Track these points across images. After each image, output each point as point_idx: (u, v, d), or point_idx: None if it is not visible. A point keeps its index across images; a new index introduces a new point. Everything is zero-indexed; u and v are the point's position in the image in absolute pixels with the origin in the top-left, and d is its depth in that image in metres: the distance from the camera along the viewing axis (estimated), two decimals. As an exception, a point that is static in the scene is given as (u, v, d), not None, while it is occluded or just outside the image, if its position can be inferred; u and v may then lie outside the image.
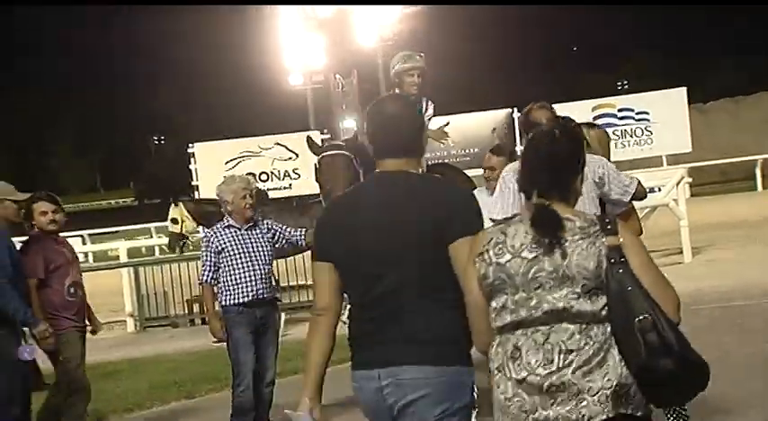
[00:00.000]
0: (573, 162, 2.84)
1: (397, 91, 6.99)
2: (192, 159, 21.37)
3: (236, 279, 6.16)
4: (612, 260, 2.64)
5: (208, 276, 6.23)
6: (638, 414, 2.65)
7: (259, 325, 6.21)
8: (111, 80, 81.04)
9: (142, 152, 79.46)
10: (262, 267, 6.24)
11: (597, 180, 4.96)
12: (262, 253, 6.27)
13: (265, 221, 6.54)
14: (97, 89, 79.42)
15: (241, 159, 21.22)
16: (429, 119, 6.93)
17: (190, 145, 21.84)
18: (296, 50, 28.31)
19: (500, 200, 4.74)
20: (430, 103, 6.89)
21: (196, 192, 20.76)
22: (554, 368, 2.65)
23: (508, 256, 2.71)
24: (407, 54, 7.02)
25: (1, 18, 74.95)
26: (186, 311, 12.23)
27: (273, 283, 6.48)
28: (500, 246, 2.73)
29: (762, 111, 28.57)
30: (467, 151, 20.52)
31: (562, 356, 2.65)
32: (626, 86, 59.73)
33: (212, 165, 20.60)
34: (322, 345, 3.26)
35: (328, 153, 6.38)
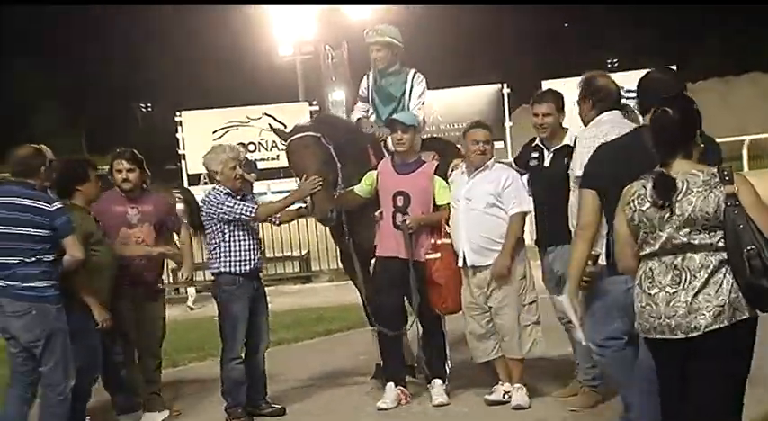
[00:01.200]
0: (686, 129, 3.71)
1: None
2: (179, 128, 21.26)
3: (237, 249, 6.14)
4: (728, 204, 3.51)
5: (252, 207, 6.12)
6: (747, 316, 3.53)
7: (255, 295, 6.24)
8: (98, 46, 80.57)
9: (129, 119, 78.98)
10: (256, 238, 6.28)
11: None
12: (253, 223, 6.28)
13: (251, 194, 6.54)
14: (84, 56, 78.85)
15: (229, 129, 21.13)
16: (423, 93, 6.89)
17: (177, 113, 21.72)
18: (286, 20, 28.09)
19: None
20: (419, 75, 6.86)
21: (183, 161, 20.67)
22: (679, 287, 3.56)
23: (647, 204, 3.63)
24: (373, 28, 7.00)
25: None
26: (171, 280, 12.20)
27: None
28: (642, 196, 3.65)
29: (751, 92, 28.59)
30: (455, 124, 20.51)
31: (686, 278, 3.55)
32: (616, 64, 59.62)
33: (200, 134, 20.48)
34: (585, 251, 4.31)
35: (295, 136, 6.31)
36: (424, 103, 6.86)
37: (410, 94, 6.79)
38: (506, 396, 6.08)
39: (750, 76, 30.43)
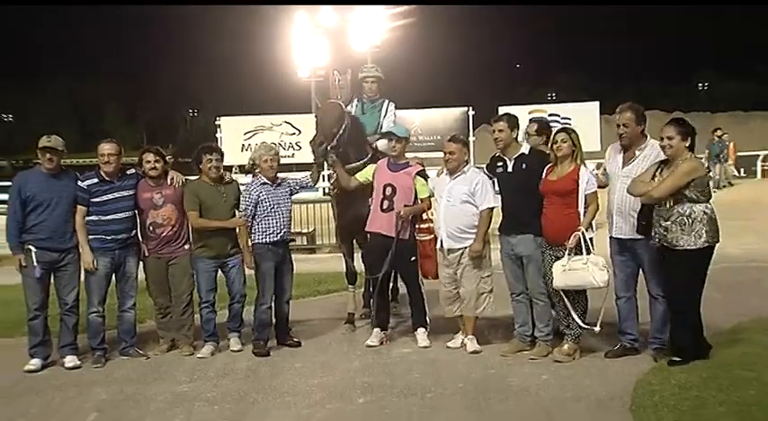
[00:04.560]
0: None
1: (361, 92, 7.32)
2: (218, 129, 21.22)
3: (267, 223, 6.24)
4: None
5: (247, 217, 6.25)
6: None
7: (281, 258, 6.32)
8: (159, 63, 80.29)
9: (179, 121, 78.80)
10: (285, 215, 6.33)
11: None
12: (285, 204, 6.35)
13: (285, 180, 6.54)
14: (147, 71, 78.65)
15: (256, 132, 21.09)
16: (393, 115, 7.20)
17: (217, 118, 21.66)
18: (305, 50, 28.09)
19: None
20: (391, 103, 7.25)
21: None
22: None
23: None
24: (368, 66, 7.54)
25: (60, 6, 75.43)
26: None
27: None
28: None
29: (649, 127, 28.76)
30: (431, 137, 20.57)
31: None
32: (554, 97, 59.72)
33: (234, 135, 20.52)
34: None
35: (328, 101, 6.79)
36: (394, 122, 7.13)
37: (385, 115, 7.16)
38: (463, 344, 6.15)
39: (650, 113, 30.82)
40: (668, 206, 5.16)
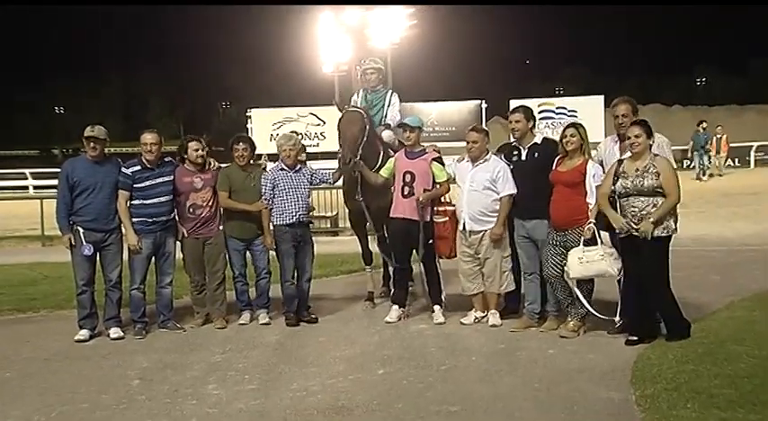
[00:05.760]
0: None
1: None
2: (248, 120, 21.28)
3: (284, 206, 6.22)
4: None
5: (267, 201, 6.26)
6: None
7: (299, 239, 6.28)
8: (196, 60, 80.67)
9: (213, 113, 79.15)
10: (303, 199, 6.29)
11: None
12: (303, 189, 6.32)
13: (305, 167, 6.51)
14: (185, 68, 79.24)
15: (284, 122, 21.14)
16: (397, 105, 7.04)
17: (248, 110, 21.71)
18: (329, 47, 27.98)
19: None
20: (395, 94, 7.11)
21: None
22: None
23: None
24: (368, 58, 7.26)
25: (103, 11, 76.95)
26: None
27: (310, 211, 6.51)
28: None
29: (650, 119, 28.45)
30: (446, 128, 20.50)
31: None
32: (561, 91, 59.16)
33: (263, 125, 20.60)
34: None
35: (348, 109, 6.53)
36: (400, 111, 7.03)
37: (389, 105, 6.99)
38: (476, 320, 6.11)
39: (651, 106, 30.49)
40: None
